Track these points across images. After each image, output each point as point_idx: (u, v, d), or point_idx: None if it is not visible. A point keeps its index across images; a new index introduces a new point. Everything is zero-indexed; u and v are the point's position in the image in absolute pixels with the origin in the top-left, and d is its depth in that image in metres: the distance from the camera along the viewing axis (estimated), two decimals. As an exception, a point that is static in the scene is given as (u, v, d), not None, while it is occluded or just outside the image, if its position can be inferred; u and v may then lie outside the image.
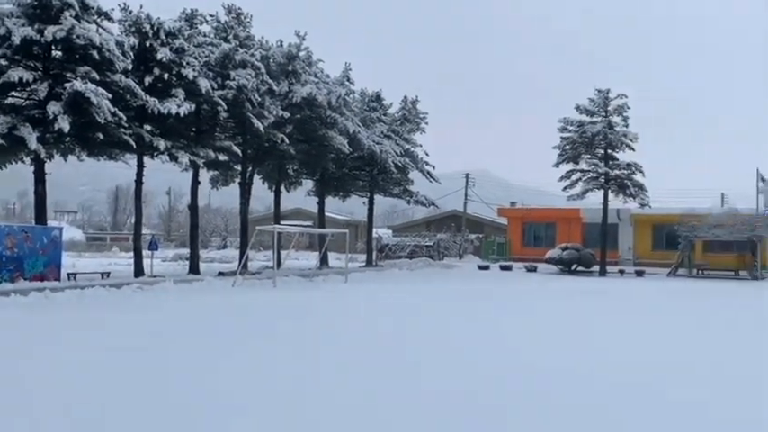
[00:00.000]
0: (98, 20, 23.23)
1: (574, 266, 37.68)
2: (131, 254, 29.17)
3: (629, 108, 36.25)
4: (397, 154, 36.79)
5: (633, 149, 36.38)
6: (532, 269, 37.60)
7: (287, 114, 29.35)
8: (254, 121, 26.96)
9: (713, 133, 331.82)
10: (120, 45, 23.04)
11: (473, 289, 24.06)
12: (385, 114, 39.67)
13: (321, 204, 38.59)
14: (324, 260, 35.19)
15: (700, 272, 36.28)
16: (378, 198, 42.30)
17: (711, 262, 37.41)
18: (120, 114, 22.12)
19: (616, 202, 38.27)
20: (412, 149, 39.74)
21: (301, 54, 31.78)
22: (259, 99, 27.75)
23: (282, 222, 36.37)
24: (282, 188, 35.90)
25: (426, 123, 41.35)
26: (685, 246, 36.79)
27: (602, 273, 36.23)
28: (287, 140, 29.15)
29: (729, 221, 35.48)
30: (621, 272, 36.85)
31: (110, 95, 21.59)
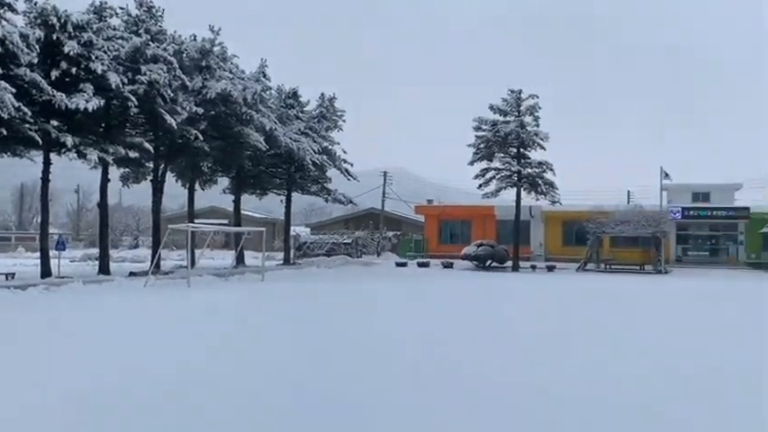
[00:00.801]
0: (0, 11, 22.28)
1: (488, 262, 38.50)
2: (38, 254, 28.10)
3: (540, 108, 37.35)
4: (314, 151, 36.74)
5: (544, 148, 37.53)
6: (449, 266, 38.22)
7: (201, 110, 28.89)
8: (167, 116, 26.43)
9: (619, 133, 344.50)
10: (24, 37, 22.19)
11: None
12: (302, 111, 39.53)
13: (237, 202, 38.08)
14: (240, 259, 34.78)
15: (607, 266, 37.71)
16: (295, 196, 42.11)
17: (618, 257, 39.06)
18: (25, 109, 21.32)
19: (528, 199, 39.40)
20: (330, 147, 39.74)
21: (215, 49, 31.33)
22: (171, 94, 27.20)
23: (197, 221, 35.78)
24: (197, 186, 35.32)
25: (344, 121, 41.44)
26: (593, 241, 38.27)
27: (515, 268, 37.19)
28: (201, 137, 28.71)
29: (635, 218, 37.07)
30: (533, 267, 37.90)
31: (14, 90, 20.84)
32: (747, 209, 42.17)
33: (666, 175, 42.07)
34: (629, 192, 54.47)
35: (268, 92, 36.33)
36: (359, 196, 49.88)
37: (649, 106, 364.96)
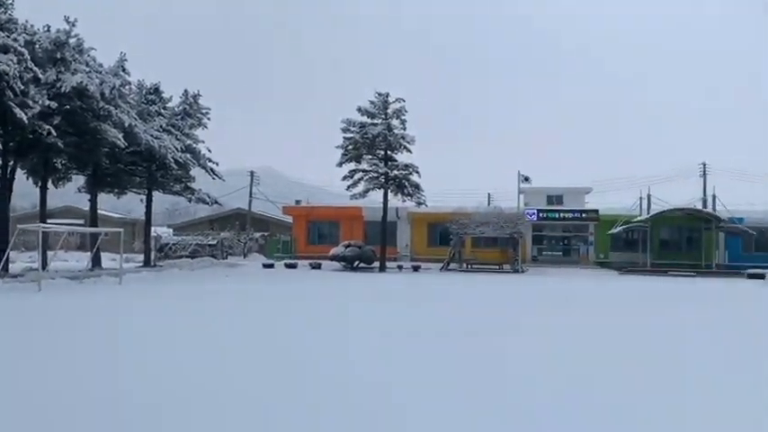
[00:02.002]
0: None
1: (356, 263, 38.83)
2: None
3: (406, 111, 38.08)
4: (177, 149, 35.63)
5: (410, 151, 38.29)
6: (317, 266, 38.22)
7: (55, 104, 27.32)
8: (17, 110, 24.86)
9: (479, 137, 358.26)
10: None
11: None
12: (164, 108, 38.19)
13: (93, 201, 36.16)
14: (96, 261, 33.17)
15: (468, 266, 39.03)
16: (157, 195, 40.62)
17: (479, 256, 40.61)
18: None
19: (395, 200, 40.09)
20: (194, 145, 38.64)
21: (71, 41, 29.71)
22: (22, 87, 25.61)
23: (50, 221, 33.86)
24: (50, 184, 33.30)
25: (209, 119, 40.36)
26: (456, 242, 39.56)
27: (382, 269, 37.71)
28: (54, 132, 27.17)
29: (494, 219, 38.63)
30: (400, 267, 38.63)
31: None
32: (596, 211, 44.87)
33: (526, 178, 44.14)
34: (489, 194, 56.59)
35: (128, 86, 34.81)
36: (225, 196, 48.85)
37: (505, 110, 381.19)
